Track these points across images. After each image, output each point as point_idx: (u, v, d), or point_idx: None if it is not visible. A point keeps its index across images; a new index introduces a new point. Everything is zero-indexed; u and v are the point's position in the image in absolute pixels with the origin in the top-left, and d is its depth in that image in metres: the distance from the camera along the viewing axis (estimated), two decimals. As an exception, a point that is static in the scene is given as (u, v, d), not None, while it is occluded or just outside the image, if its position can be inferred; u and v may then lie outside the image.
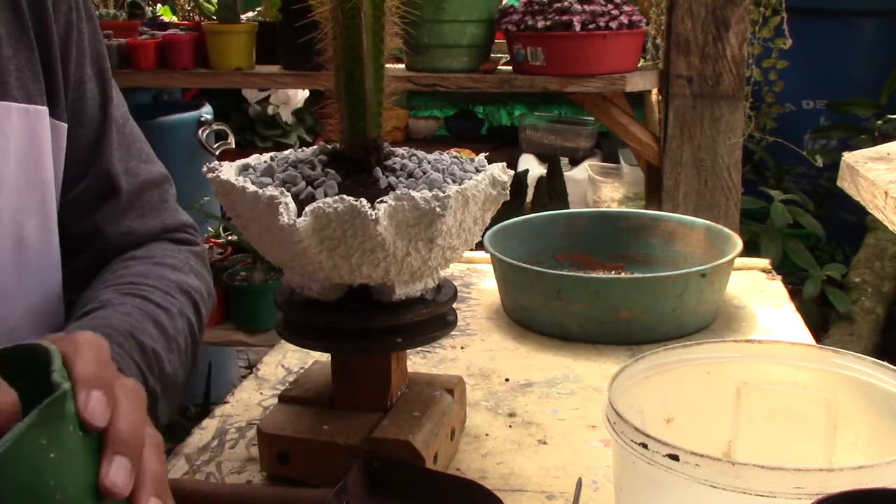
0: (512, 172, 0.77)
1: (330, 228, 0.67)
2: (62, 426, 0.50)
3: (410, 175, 0.74)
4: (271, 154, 0.80)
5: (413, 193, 0.67)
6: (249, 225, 0.73)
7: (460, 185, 0.70)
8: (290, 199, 0.68)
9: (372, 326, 0.76)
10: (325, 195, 0.70)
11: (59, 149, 0.86)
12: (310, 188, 0.71)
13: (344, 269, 0.71)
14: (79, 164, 0.90)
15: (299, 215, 0.67)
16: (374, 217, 0.66)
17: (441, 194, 0.67)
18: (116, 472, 0.51)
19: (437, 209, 0.67)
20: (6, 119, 0.80)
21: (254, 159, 0.79)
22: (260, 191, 0.69)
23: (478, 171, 0.76)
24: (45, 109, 0.83)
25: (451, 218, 0.69)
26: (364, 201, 0.66)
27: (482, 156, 0.79)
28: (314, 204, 0.67)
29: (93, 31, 0.91)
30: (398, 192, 0.68)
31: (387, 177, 0.72)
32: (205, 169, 0.74)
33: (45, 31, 0.84)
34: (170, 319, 0.85)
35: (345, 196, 0.66)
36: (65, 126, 0.86)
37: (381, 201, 0.67)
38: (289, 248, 0.70)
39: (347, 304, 0.76)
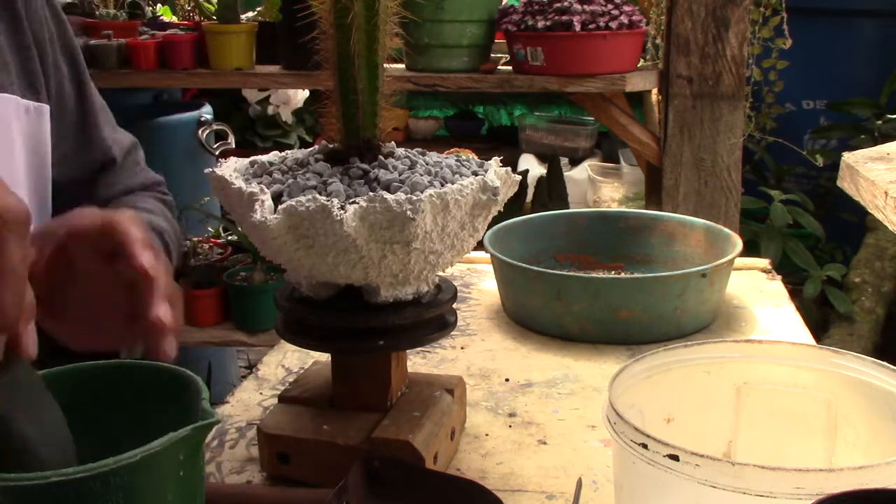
0: (518, 178, 0.76)
1: (303, 227, 0.68)
2: (197, 452, 0.54)
3: (401, 176, 0.73)
4: (284, 153, 0.81)
5: (386, 195, 0.67)
6: (241, 220, 0.73)
7: (441, 188, 0.70)
8: (267, 197, 0.68)
9: (355, 327, 0.76)
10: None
11: (44, 128, 0.92)
12: (296, 187, 0.71)
13: (322, 267, 0.71)
14: (71, 142, 0.98)
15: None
16: (339, 218, 0.66)
17: (414, 197, 0.67)
18: (163, 310, 0.64)
19: (409, 212, 0.66)
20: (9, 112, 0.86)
21: (263, 157, 0.80)
22: (243, 187, 0.70)
23: (475, 174, 0.75)
24: (14, 98, 0.88)
25: (429, 222, 0.68)
26: (335, 201, 0.66)
27: (496, 159, 0.79)
28: (287, 202, 0.67)
29: (57, 19, 0.97)
30: (373, 193, 0.68)
31: (375, 177, 0.72)
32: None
33: (16, 20, 0.90)
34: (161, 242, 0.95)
35: (317, 195, 0.67)
36: (47, 107, 0.92)
37: (353, 202, 0.67)
38: (268, 244, 0.71)
39: (337, 303, 0.76)
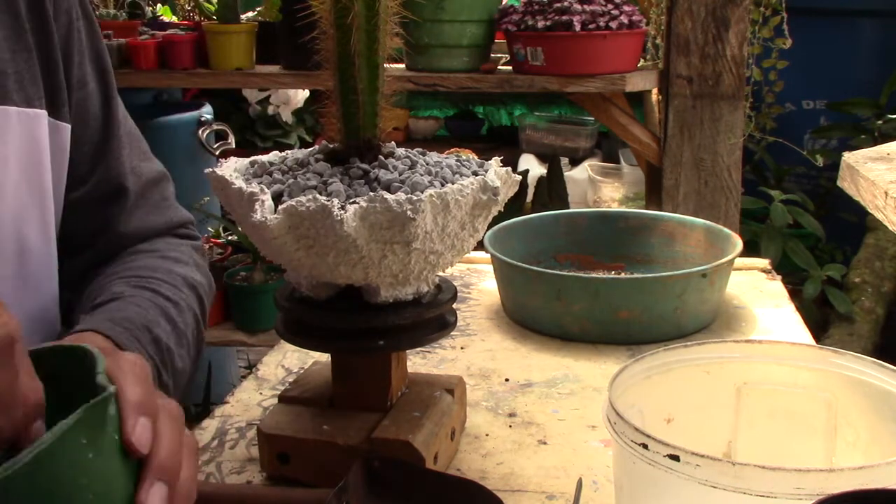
0: (518, 178, 0.76)
1: (304, 227, 0.68)
2: (103, 428, 0.52)
3: (401, 176, 0.73)
4: (284, 153, 0.80)
5: (386, 195, 0.67)
6: (241, 220, 0.73)
7: (441, 188, 0.70)
8: (267, 197, 0.68)
9: (355, 327, 0.76)
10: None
11: (62, 150, 0.85)
12: (296, 187, 0.71)
13: (322, 267, 0.71)
14: (84, 165, 0.89)
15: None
16: (339, 218, 0.66)
17: (414, 197, 0.67)
18: (153, 498, 0.53)
19: (409, 212, 0.66)
20: (6, 124, 0.79)
21: (263, 157, 0.80)
22: (244, 187, 0.70)
23: (475, 174, 0.75)
24: (44, 113, 0.82)
25: (430, 222, 0.68)
26: (335, 201, 0.66)
27: (496, 159, 0.79)
28: (288, 202, 0.67)
29: (91, 30, 0.90)
30: (373, 193, 0.68)
31: (375, 177, 0.72)
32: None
33: (46, 33, 0.83)
34: (179, 313, 0.86)
35: (317, 195, 0.67)
36: (67, 127, 0.85)
37: (353, 202, 0.67)
38: (268, 244, 0.71)
39: (337, 303, 0.76)
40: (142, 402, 0.55)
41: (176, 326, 0.84)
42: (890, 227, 1.09)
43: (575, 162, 3.41)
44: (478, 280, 1.31)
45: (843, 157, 1.26)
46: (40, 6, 0.83)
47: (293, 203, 0.67)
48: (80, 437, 0.50)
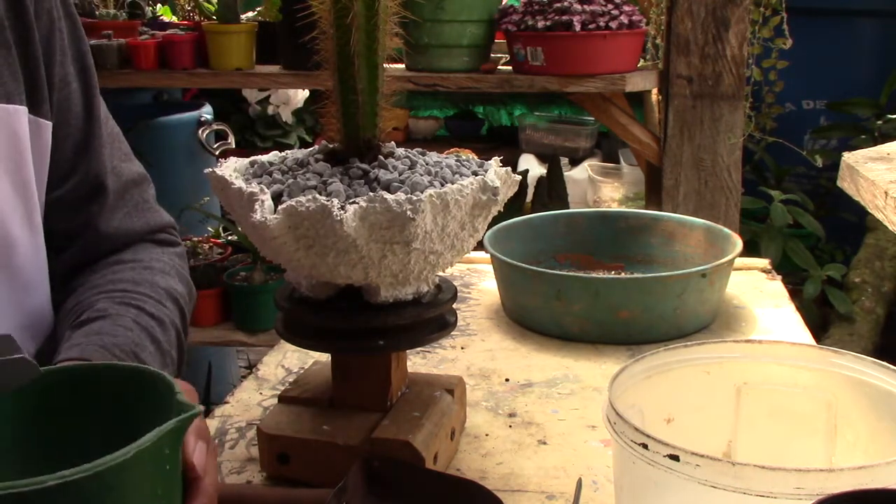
0: (518, 178, 0.76)
1: (303, 227, 0.68)
2: (178, 444, 0.54)
3: (401, 176, 0.73)
4: (284, 153, 0.80)
5: (386, 195, 0.67)
6: (241, 220, 0.73)
7: (441, 188, 0.70)
8: (267, 197, 0.68)
9: (355, 327, 0.76)
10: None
11: (44, 147, 0.85)
12: (296, 187, 0.71)
13: (322, 267, 0.71)
14: (65, 164, 0.89)
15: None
16: (339, 218, 0.66)
17: (414, 197, 0.67)
18: None
19: (409, 213, 0.66)
20: None
21: (263, 157, 0.80)
22: (243, 187, 0.70)
23: (475, 174, 0.75)
24: (24, 109, 0.82)
25: (429, 222, 0.68)
26: (335, 201, 0.66)
27: (496, 159, 0.79)
28: (287, 202, 0.67)
29: (73, 30, 0.89)
30: (373, 193, 0.68)
31: (375, 177, 0.72)
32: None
33: (26, 30, 0.83)
34: (163, 332, 0.86)
35: (317, 195, 0.67)
36: (49, 124, 0.85)
37: (353, 202, 0.67)
38: (268, 244, 0.71)
39: (337, 303, 0.76)
40: (198, 426, 0.58)
41: (160, 347, 0.85)
42: (890, 227, 1.09)
43: (575, 162, 3.41)
44: (478, 280, 1.31)
45: (842, 157, 1.26)
46: (20, 4, 0.83)
47: (293, 203, 0.67)
48: (166, 446, 0.51)
